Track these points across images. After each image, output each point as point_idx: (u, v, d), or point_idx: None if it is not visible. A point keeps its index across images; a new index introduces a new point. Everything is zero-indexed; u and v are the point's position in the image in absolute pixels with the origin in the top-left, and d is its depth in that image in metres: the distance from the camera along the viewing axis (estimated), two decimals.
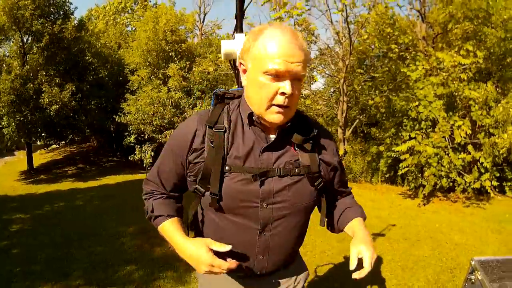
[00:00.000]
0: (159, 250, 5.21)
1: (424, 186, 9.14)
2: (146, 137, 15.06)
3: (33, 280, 4.30)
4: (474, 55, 8.81)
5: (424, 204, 9.32)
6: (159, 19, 15.78)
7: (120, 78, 17.57)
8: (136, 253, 5.15)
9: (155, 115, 14.37)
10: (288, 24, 10.47)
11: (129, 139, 15.46)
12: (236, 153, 1.43)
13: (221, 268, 1.41)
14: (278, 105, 1.35)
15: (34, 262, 4.86)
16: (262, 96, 1.35)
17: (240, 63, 1.44)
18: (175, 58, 15.91)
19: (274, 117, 1.37)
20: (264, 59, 1.31)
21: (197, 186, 1.46)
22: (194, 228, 1.65)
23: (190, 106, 14.99)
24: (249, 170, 1.41)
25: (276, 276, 1.64)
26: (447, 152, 8.78)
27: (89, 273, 4.39)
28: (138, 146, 15.07)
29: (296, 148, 1.48)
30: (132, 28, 24.21)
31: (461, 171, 9.09)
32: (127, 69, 16.82)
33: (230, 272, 1.50)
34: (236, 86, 2.27)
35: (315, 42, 13.16)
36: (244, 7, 2.23)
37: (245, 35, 1.94)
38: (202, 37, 22.61)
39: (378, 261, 5.24)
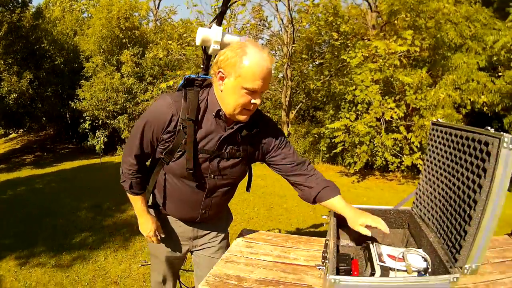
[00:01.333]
0: (109, 220, 5.83)
1: (356, 164, 9.74)
2: (100, 123, 15.31)
3: (4, 250, 4.74)
4: (412, 43, 9.35)
5: (358, 181, 9.88)
6: (113, 7, 15.82)
7: (75, 65, 17.49)
8: (90, 223, 5.70)
9: (108, 100, 14.61)
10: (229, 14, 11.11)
11: (84, 125, 15.59)
12: (199, 138, 1.88)
13: (152, 241, 2.22)
14: (248, 109, 1.83)
15: (3, 237, 5.27)
16: (239, 103, 1.78)
17: (219, 71, 1.79)
18: (128, 45, 16.07)
19: (244, 117, 1.84)
20: (248, 80, 1.72)
21: (163, 157, 1.94)
22: (154, 188, 2.19)
23: (142, 91, 15.24)
24: (206, 152, 1.92)
25: (211, 222, 2.29)
26: (379, 132, 9.38)
27: (50, 241, 4.86)
28: (91, 133, 15.38)
29: (240, 138, 1.96)
30: (88, 15, 24.06)
31: (397, 153, 9.61)
32: (83, 56, 16.77)
33: (179, 219, 2.22)
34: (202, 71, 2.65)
35: (268, 28, 13.84)
36: (229, 3, 2.45)
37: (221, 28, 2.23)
38: (156, 23, 22.65)
39: (300, 228, 5.89)
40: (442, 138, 2.04)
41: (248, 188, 2.35)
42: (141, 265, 4.16)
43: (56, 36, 17.79)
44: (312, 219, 6.19)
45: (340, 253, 2.06)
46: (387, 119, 9.20)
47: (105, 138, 14.39)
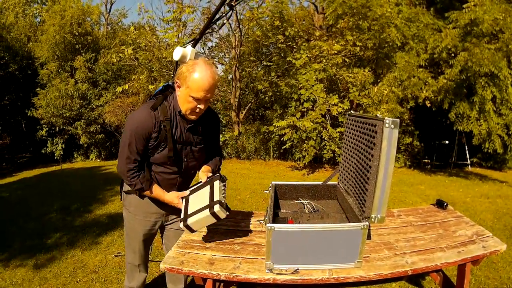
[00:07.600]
0: (79, 220, 6.17)
1: (304, 157, 10.22)
2: (57, 129, 15.35)
3: None
4: (354, 44, 10.05)
5: (309, 174, 10.37)
6: (65, 13, 15.77)
7: (29, 72, 17.28)
8: (61, 224, 5.96)
9: (64, 107, 14.72)
10: (181, 23, 11.50)
11: (41, 133, 15.46)
12: (174, 132, 2.48)
13: (178, 205, 2.65)
14: (195, 112, 2.42)
15: None
16: (188, 107, 2.39)
17: (176, 81, 2.41)
18: (81, 51, 16.07)
19: (193, 117, 2.46)
20: (194, 90, 2.31)
21: (150, 151, 2.49)
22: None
23: (97, 97, 15.40)
24: (180, 142, 2.53)
25: None
26: (325, 127, 9.87)
27: (27, 242, 5.09)
28: (50, 139, 15.07)
29: (201, 130, 2.61)
30: (41, 20, 23.52)
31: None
32: (37, 63, 16.54)
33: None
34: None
35: (217, 31, 14.24)
36: (203, 33, 2.90)
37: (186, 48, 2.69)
38: (107, 27, 22.45)
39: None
40: (352, 125, 2.72)
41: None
42: (115, 256, 4.61)
43: (10, 42, 17.51)
44: (263, 207, 6.64)
45: (279, 217, 2.71)
46: (334, 114, 9.73)
47: (63, 145, 14.45)
